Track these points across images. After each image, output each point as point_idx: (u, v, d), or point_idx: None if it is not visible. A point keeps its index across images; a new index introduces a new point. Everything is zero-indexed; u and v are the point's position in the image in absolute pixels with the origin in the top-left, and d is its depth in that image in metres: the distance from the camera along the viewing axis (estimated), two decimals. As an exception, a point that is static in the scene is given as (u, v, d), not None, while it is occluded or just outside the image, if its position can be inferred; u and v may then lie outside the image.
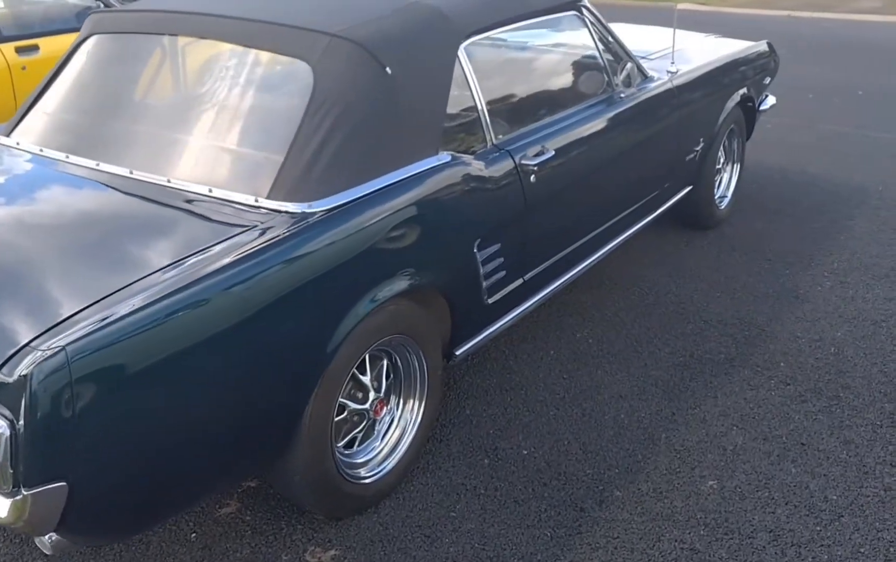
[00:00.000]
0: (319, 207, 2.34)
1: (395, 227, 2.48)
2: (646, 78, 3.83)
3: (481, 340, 3.01)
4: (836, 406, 3.17)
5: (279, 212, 2.32)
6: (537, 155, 3.00)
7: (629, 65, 3.59)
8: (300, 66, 2.57)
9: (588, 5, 3.53)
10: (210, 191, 2.41)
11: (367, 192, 2.46)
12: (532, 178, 2.97)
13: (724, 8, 13.93)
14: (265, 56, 2.75)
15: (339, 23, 2.65)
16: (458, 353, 2.91)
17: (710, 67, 4.32)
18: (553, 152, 3.05)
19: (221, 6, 2.87)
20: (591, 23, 3.54)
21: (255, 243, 2.17)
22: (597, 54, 3.56)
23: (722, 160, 4.80)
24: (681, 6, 12.97)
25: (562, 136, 3.18)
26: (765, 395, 3.24)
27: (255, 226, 2.26)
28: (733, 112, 4.61)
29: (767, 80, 5.07)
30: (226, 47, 2.82)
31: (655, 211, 4.10)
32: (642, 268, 4.31)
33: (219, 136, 2.68)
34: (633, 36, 4.32)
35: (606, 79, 3.59)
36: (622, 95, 3.60)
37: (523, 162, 2.94)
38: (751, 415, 3.12)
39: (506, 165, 2.90)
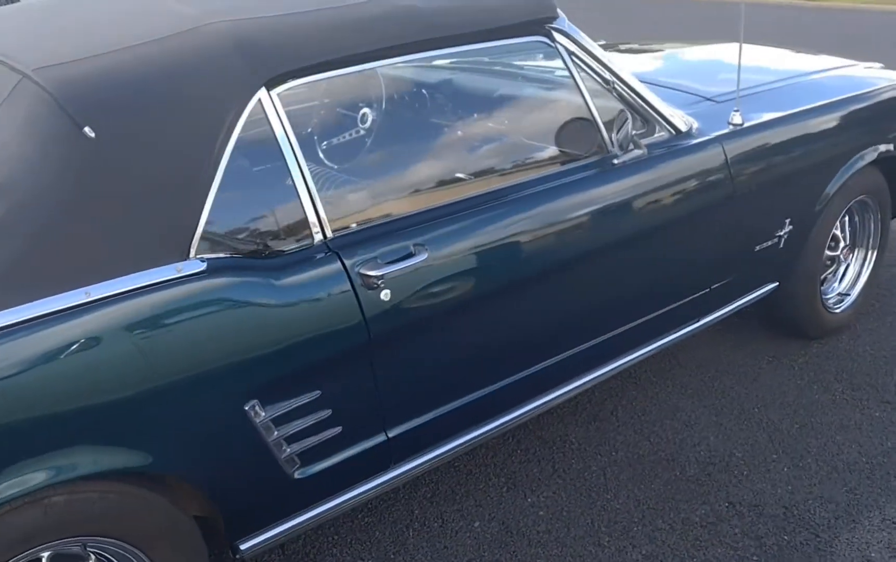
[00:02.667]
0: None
1: (58, 374, 1.58)
2: (676, 134, 2.60)
3: (295, 527, 2.02)
4: None
5: None
6: (397, 260, 1.95)
7: (627, 117, 2.38)
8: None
9: (566, 28, 2.38)
10: None
11: (25, 317, 1.57)
12: (384, 294, 1.93)
13: (842, 2, 10.17)
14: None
15: (56, 54, 1.77)
16: (244, 547, 1.95)
17: (808, 115, 2.96)
18: (426, 255, 1.98)
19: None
20: (571, 53, 2.38)
21: None
22: (580, 100, 2.40)
23: (842, 246, 3.37)
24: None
25: (469, 230, 2.09)
26: None
27: None
28: (861, 178, 3.19)
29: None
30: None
31: (693, 323, 2.84)
32: (680, 392, 3.05)
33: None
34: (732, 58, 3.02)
35: (598, 137, 2.42)
36: (615, 162, 2.42)
37: (362, 271, 1.90)
38: None
39: (327, 276, 1.88)
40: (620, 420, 2.91)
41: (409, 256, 1.96)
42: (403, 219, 2.02)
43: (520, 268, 2.20)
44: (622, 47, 4.09)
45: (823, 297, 3.33)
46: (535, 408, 2.43)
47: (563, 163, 2.38)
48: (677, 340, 2.86)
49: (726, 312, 2.97)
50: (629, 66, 3.57)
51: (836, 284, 3.46)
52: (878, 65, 3.81)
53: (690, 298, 2.76)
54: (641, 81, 3.10)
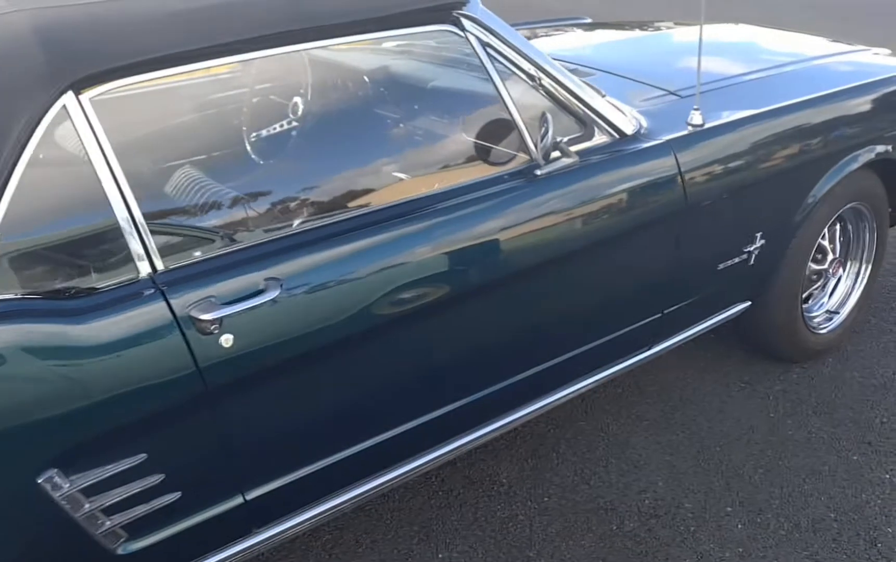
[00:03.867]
0: None
1: None
2: (620, 138, 2.23)
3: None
4: None
5: None
6: (241, 298, 1.62)
7: (548, 120, 2.01)
8: None
9: (479, 14, 2.01)
10: None
11: None
12: (224, 339, 1.61)
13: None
14: None
15: None
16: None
17: (787, 113, 2.57)
18: (278, 291, 1.65)
19: None
20: (486, 45, 2.02)
21: None
22: (498, 99, 2.05)
23: (831, 259, 2.98)
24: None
25: (340, 258, 1.76)
26: None
27: None
28: (853, 184, 2.81)
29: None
30: None
31: (645, 350, 2.50)
32: (634, 424, 2.70)
33: None
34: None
35: (520, 144, 2.07)
36: (537, 173, 2.06)
37: (194, 314, 1.58)
38: None
39: (150, 319, 1.57)
40: (562, 457, 2.57)
41: (258, 293, 1.63)
42: (255, 247, 1.69)
43: (410, 300, 1.86)
44: (597, 27, 3.72)
45: (807, 316, 2.95)
46: (439, 456, 2.11)
47: (475, 174, 2.03)
48: (628, 369, 2.51)
49: (687, 337, 2.61)
50: (594, 51, 3.23)
51: (824, 300, 3.08)
52: (885, 50, 3.40)
53: (639, 323, 2.41)
54: (601, 70, 2.76)
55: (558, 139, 2.05)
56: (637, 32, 3.69)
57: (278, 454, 1.80)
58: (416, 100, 2.30)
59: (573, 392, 2.39)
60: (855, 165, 2.74)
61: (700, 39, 2.32)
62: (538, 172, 2.05)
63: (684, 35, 3.56)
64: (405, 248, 1.83)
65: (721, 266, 2.52)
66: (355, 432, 1.90)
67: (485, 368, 2.15)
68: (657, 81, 2.64)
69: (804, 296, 2.98)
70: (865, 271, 3.09)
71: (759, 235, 2.56)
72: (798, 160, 2.58)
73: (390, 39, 2.10)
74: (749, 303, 2.74)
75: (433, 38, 2.04)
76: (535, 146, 2.04)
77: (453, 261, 1.92)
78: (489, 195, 1.99)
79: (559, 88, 2.13)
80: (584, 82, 2.27)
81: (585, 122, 2.19)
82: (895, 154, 2.90)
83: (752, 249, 2.56)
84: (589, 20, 4.22)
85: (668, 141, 2.27)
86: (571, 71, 2.65)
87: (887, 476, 2.47)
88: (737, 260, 2.55)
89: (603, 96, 2.31)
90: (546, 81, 2.10)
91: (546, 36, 3.48)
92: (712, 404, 2.80)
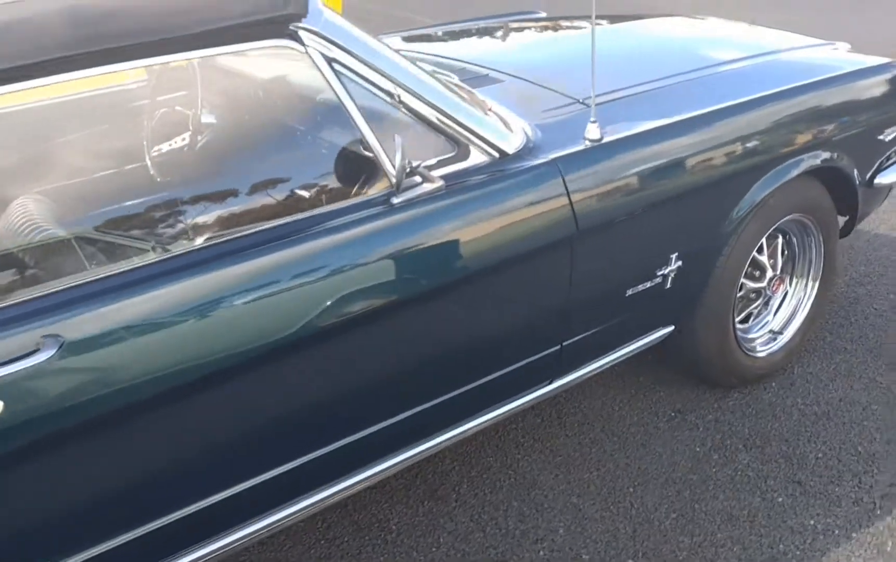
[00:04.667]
0: None
1: None
2: (500, 157, 2.02)
3: None
4: None
5: None
6: (7, 361, 1.44)
7: (398, 143, 1.80)
8: None
9: (322, 27, 1.81)
10: None
11: None
12: (-6, 406, 1.43)
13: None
14: None
15: None
16: None
17: (707, 121, 2.34)
18: (54, 350, 1.47)
19: None
20: (332, 60, 1.82)
21: None
22: (348, 120, 1.84)
23: (770, 276, 2.75)
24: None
25: (140, 307, 1.57)
26: None
27: None
28: (791, 195, 2.58)
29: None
30: None
31: (545, 385, 2.29)
32: (546, 460, 2.49)
33: None
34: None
35: (374, 169, 1.87)
36: (394, 201, 1.86)
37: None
38: None
39: None
40: (461, 499, 2.38)
41: (30, 353, 1.45)
42: (31, 302, 1.50)
43: (233, 352, 1.67)
44: (544, 23, 3.49)
45: (743, 338, 2.72)
46: (311, 505, 1.92)
47: (329, 204, 1.84)
48: (530, 404, 2.31)
49: (598, 367, 2.41)
50: (518, 53, 3.01)
51: (769, 319, 2.85)
52: (845, 45, 3.15)
53: (533, 357, 2.20)
54: (512, 75, 2.55)
55: (416, 163, 1.85)
56: (580, 30, 3.45)
57: (81, 524, 1.63)
58: (256, 120, 2.11)
59: (463, 433, 2.20)
60: (790, 175, 2.51)
61: (593, 37, 2.12)
62: (395, 201, 1.85)
63: (636, 31, 3.33)
64: (227, 294, 1.64)
65: (630, 292, 2.30)
66: (179, 494, 1.72)
67: (357, 410, 1.96)
68: (570, 88, 2.42)
69: (743, 316, 2.76)
70: (813, 289, 2.85)
71: (674, 256, 2.34)
72: (717, 174, 2.36)
73: (230, 56, 1.90)
74: (672, 327, 2.52)
75: (276, 54, 1.83)
76: (392, 172, 1.83)
77: (293, 302, 1.73)
78: (340, 226, 1.80)
79: (423, 105, 1.92)
80: (463, 94, 2.07)
81: (458, 141, 1.98)
82: (841, 161, 2.66)
83: (666, 271, 2.34)
84: (542, 15, 3.99)
85: (554, 159, 2.05)
86: (477, 77, 2.46)
87: (811, 522, 2.25)
88: (649, 284, 2.33)
89: (486, 111, 2.11)
90: (407, 98, 1.89)
91: (477, 35, 3.26)
92: (635, 437, 2.59)
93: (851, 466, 2.43)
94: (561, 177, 2.05)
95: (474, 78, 2.48)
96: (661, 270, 2.33)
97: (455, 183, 1.93)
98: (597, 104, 2.28)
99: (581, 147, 2.12)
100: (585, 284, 2.18)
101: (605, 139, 2.15)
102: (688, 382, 2.78)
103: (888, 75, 2.81)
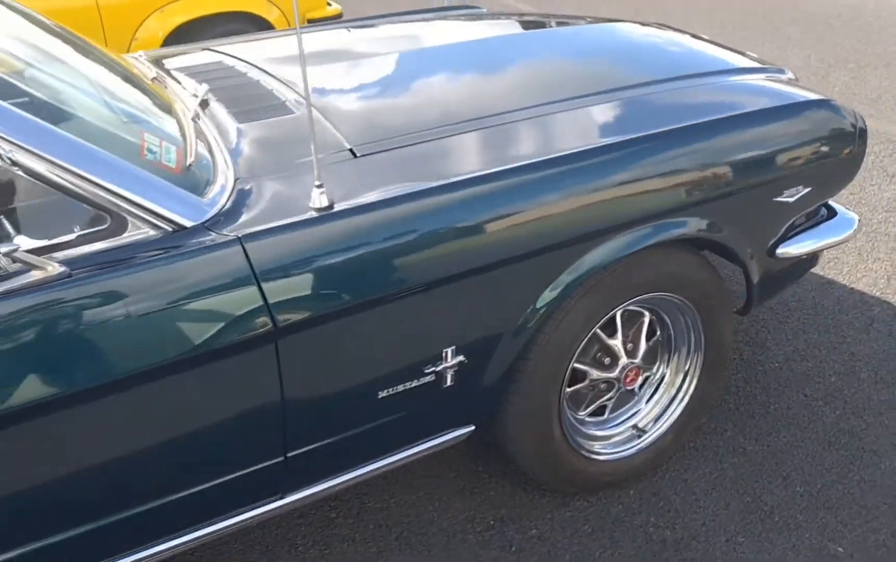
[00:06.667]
0: None
1: None
2: (175, 230, 1.61)
3: None
4: None
5: None
6: None
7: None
8: None
9: None
10: None
11: None
12: None
13: None
14: None
15: None
16: None
17: (493, 178, 1.85)
18: None
19: None
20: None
21: None
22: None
23: (622, 364, 2.21)
24: None
25: None
26: None
27: None
28: (638, 273, 2.07)
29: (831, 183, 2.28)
30: None
31: (271, 501, 1.88)
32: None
33: None
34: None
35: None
36: (-7, 291, 1.47)
37: None
38: None
39: None
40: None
41: None
42: None
43: None
44: (465, 21, 3.02)
45: (581, 438, 2.22)
46: None
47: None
48: (259, 519, 1.90)
49: (358, 477, 1.97)
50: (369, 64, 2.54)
51: (639, 410, 2.33)
52: (787, 74, 2.56)
53: (253, 468, 1.79)
54: (328, 95, 2.13)
55: (13, 246, 1.45)
56: (491, 29, 2.94)
57: None
58: None
59: (173, 547, 1.82)
60: (637, 248, 1.98)
61: (302, 57, 1.63)
62: (-6, 291, 1.46)
63: (516, 44, 2.80)
64: None
65: (384, 393, 1.84)
66: None
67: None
68: (346, 130, 1.96)
69: (594, 409, 2.25)
70: (692, 378, 2.30)
71: (449, 350, 1.87)
72: (507, 248, 1.85)
73: None
74: (472, 428, 2.05)
75: None
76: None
77: None
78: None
79: (43, 164, 1.50)
80: (154, 145, 1.66)
81: (109, 211, 1.57)
82: (717, 231, 2.10)
83: (440, 368, 1.87)
84: (483, 10, 3.51)
85: (235, 238, 1.61)
86: (273, 106, 2.04)
87: None
88: (415, 383, 1.87)
89: (184, 166, 1.69)
90: (19, 156, 1.49)
91: (366, 40, 2.80)
92: (435, 549, 2.14)
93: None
94: (248, 262, 1.61)
95: (270, 107, 2.07)
96: (431, 367, 1.86)
97: (95, 266, 1.53)
98: (373, 153, 1.84)
99: (302, 217, 1.67)
100: (307, 389, 1.74)
101: (337, 207, 1.69)
102: (527, 484, 2.30)
103: (800, 118, 2.21)
